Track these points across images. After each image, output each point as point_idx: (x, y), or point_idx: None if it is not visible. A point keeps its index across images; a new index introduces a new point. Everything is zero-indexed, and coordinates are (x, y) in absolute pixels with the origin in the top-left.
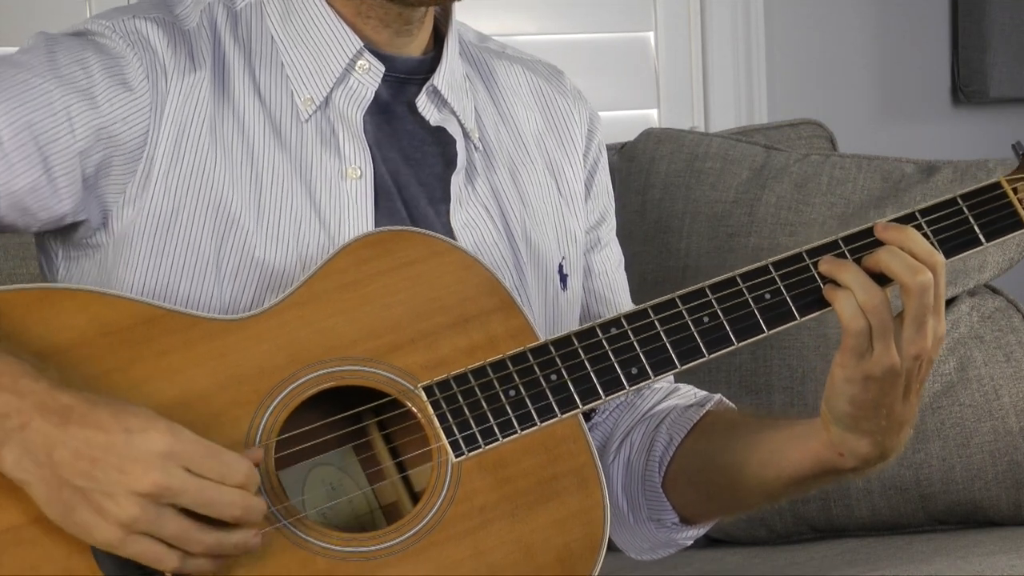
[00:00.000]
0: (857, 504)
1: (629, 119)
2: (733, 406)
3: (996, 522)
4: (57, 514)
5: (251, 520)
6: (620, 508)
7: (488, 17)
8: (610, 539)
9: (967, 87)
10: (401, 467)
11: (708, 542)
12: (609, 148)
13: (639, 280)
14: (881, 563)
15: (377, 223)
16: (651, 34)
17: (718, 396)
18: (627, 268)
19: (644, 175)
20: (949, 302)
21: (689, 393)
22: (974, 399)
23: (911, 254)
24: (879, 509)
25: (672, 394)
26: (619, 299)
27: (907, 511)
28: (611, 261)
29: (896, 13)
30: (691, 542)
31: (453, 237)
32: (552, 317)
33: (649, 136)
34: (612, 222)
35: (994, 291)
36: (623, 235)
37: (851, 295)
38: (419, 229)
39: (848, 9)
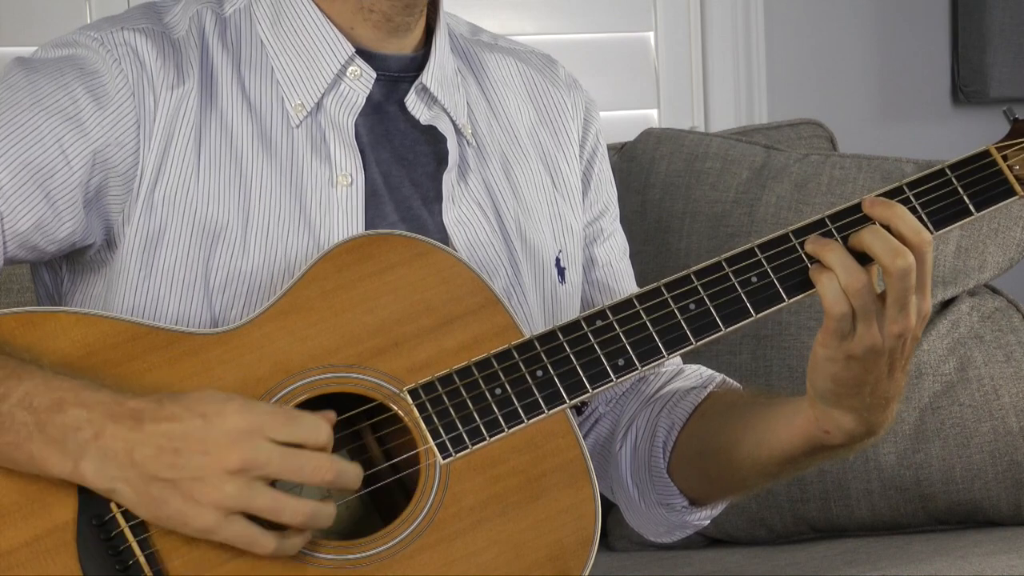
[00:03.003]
0: (857, 504)
1: (629, 119)
2: (736, 386)
3: (996, 522)
4: (149, 512)
5: (345, 482)
6: (631, 494)
7: (488, 16)
8: (628, 522)
9: (967, 87)
10: (396, 469)
11: (708, 542)
12: (609, 148)
13: (639, 280)
14: (881, 563)
15: (367, 229)
16: (651, 34)
17: (720, 377)
18: None
19: (644, 175)
20: (949, 302)
21: (693, 375)
22: (974, 399)
23: (897, 232)
24: (879, 509)
25: (676, 377)
26: (624, 289)
27: (907, 511)
28: (616, 251)
29: (896, 13)
30: (707, 522)
31: (446, 236)
32: (551, 311)
33: (649, 136)
34: (615, 211)
35: (994, 291)
36: None
37: (834, 277)
38: (400, 232)
39: (848, 9)
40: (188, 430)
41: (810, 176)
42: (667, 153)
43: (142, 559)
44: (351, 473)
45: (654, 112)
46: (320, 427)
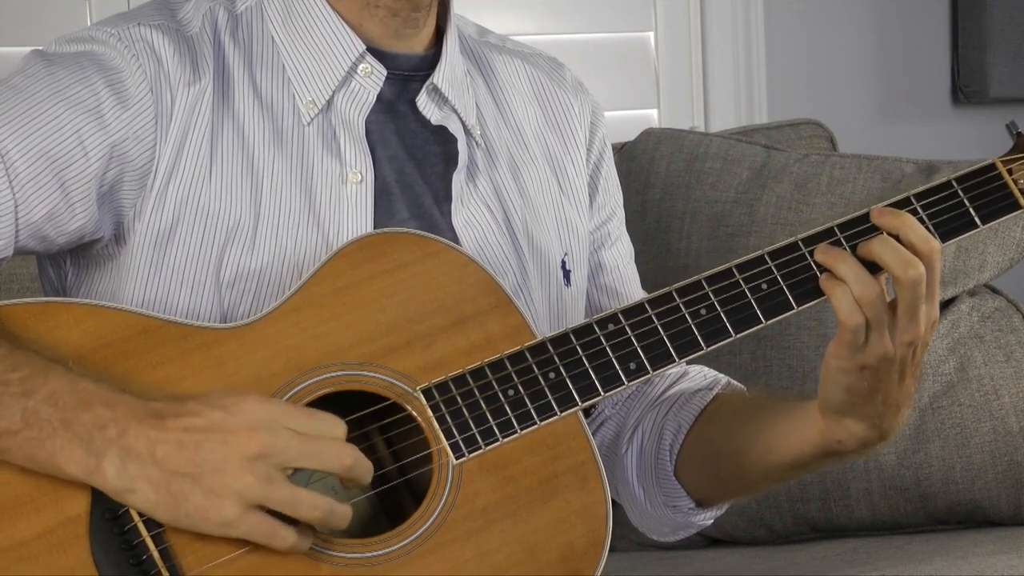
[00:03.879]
0: (857, 504)
1: (629, 119)
2: (741, 387)
3: (996, 522)
4: (168, 512)
5: (360, 473)
6: (636, 496)
7: (489, 16)
8: (632, 521)
9: (967, 87)
10: (404, 470)
11: (708, 542)
12: None
13: (640, 280)
14: (881, 563)
15: (377, 226)
16: (651, 34)
17: (725, 379)
18: None
19: (644, 175)
20: (949, 302)
21: (698, 376)
22: (974, 399)
23: (907, 241)
24: (879, 509)
25: (681, 379)
26: (631, 293)
27: (907, 511)
28: (623, 256)
29: (896, 13)
30: (711, 522)
31: (456, 236)
32: (557, 313)
33: (649, 136)
34: (621, 215)
35: (994, 291)
36: None
37: (847, 289)
38: (413, 230)
39: (848, 9)
40: (209, 422)
41: (810, 176)
42: (667, 153)
43: (156, 554)
44: (365, 465)
45: (654, 112)
46: (336, 421)
